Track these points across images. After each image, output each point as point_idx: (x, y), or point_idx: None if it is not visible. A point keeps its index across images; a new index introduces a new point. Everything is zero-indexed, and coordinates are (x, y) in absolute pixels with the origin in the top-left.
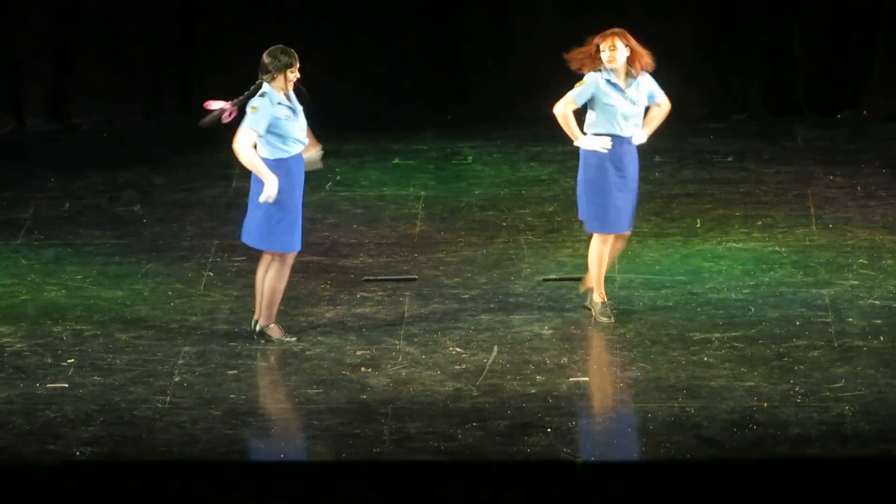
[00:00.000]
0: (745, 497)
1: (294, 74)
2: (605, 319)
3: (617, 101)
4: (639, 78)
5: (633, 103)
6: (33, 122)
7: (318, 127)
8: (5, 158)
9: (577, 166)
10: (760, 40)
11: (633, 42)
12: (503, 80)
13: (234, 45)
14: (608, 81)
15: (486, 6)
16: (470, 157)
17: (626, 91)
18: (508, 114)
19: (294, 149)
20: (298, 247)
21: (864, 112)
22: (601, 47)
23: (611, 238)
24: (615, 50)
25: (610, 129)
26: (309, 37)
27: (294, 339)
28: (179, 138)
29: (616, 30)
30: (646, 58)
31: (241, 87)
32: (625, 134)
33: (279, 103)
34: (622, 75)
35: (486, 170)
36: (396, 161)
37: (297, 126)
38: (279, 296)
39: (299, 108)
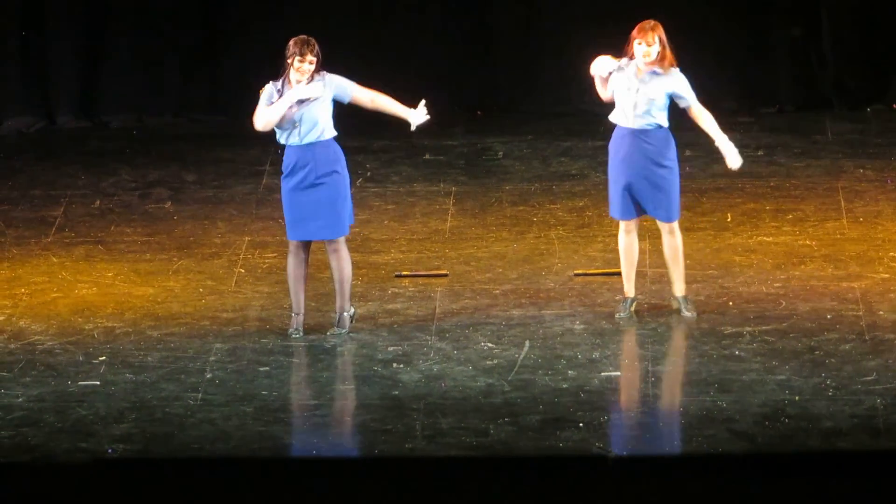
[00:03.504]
0: (777, 490)
1: (304, 64)
2: (619, 315)
3: (623, 91)
4: (665, 74)
5: (639, 94)
6: (64, 119)
7: (350, 122)
8: (36, 156)
9: (607, 161)
10: (790, 34)
11: (664, 38)
12: (533, 76)
13: (263, 41)
14: (623, 70)
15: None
16: (500, 153)
17: (632, 81)
18: (539, 109)
19: (289, 139)
20: (289, 235)
21: (894, 105)
22: (637, 41)
23: (627, 228)
24: (651, 45)
25: (615, 117)
26: (338, 33)
27: (299, 334)
28: (210, 135)
29: (654, 23)
30: (670, 55)
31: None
32: (628, 125)
33: (278, 91)
34: (645, 67)
35: (516, 165)
36: (427, 157)
37: (295, 116)
38: (290, 284)
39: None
